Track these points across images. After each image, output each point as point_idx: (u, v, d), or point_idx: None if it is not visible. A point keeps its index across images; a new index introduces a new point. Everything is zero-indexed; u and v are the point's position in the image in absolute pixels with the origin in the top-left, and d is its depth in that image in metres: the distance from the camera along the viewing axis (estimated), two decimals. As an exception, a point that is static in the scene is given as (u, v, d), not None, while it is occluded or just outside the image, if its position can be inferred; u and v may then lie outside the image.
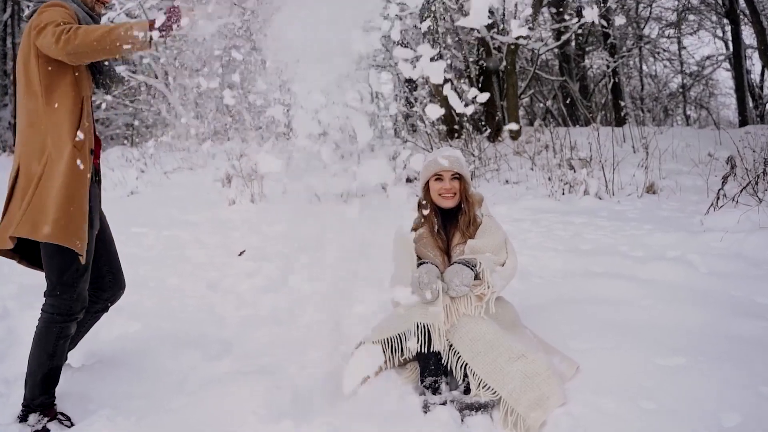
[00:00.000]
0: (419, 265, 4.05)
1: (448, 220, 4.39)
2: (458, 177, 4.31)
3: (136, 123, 20.47)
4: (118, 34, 3.43)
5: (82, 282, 3.70)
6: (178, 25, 3.54)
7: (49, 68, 3.57)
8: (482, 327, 3.79)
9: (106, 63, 3.86)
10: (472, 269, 3.92)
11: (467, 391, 3.78)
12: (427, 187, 4.37)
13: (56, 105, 3.57)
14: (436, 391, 3.84)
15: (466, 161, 10.79)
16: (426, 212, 4.35)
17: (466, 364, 3.75)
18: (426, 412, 3.67)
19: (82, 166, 3.58)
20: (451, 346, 3.81)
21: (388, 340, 3.96)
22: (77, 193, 3.57)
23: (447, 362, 3.84)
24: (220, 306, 5.60)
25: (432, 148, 11.67)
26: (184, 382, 4.19)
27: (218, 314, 5.41)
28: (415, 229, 4.40)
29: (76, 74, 3.65)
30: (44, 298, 3.71)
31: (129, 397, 3.99)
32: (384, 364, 3.98)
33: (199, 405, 3.77)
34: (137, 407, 3.86)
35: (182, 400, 3.89)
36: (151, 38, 3.50)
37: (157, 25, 3.51)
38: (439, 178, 4.31)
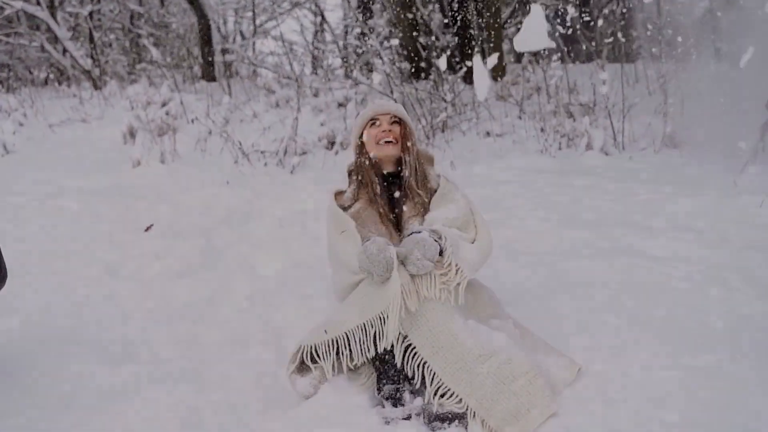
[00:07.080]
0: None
1: (393, 186, 4.37)
2: (398, 122, 4.36)
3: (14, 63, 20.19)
4: None
5: None
6: None
7: None
8: (447, 314, 3.72)
9: None
10: (437, 241, 3.83)
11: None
12: (361, 143, 4.41)
13: None
14: (397, 402, 3.75)
15: (437, 108, 10.78)
16: (362, 174, 4.34)
17: (425, 363, 3.68)
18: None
19: None
20: (405, 338, 3.74)
21: (333, 341, 3.87)
22: None
23: (400, 359, 3.75)
24: (122, 296, 5.53)
25: (392, 92, 11.57)
26: (75, 394, 4.11)
27: (119, 307, 5.34)
28: (346, 208, 4.35)
29: None
30: None
31: (2, 415, 3.89)
32: (331, 371, 3.89)
33: (96, 423, 3.74)
34: (13, 427, 3.78)
35: (74, 416, 3.83)
36: None
37: None
38: (374, 122, 4.37)
